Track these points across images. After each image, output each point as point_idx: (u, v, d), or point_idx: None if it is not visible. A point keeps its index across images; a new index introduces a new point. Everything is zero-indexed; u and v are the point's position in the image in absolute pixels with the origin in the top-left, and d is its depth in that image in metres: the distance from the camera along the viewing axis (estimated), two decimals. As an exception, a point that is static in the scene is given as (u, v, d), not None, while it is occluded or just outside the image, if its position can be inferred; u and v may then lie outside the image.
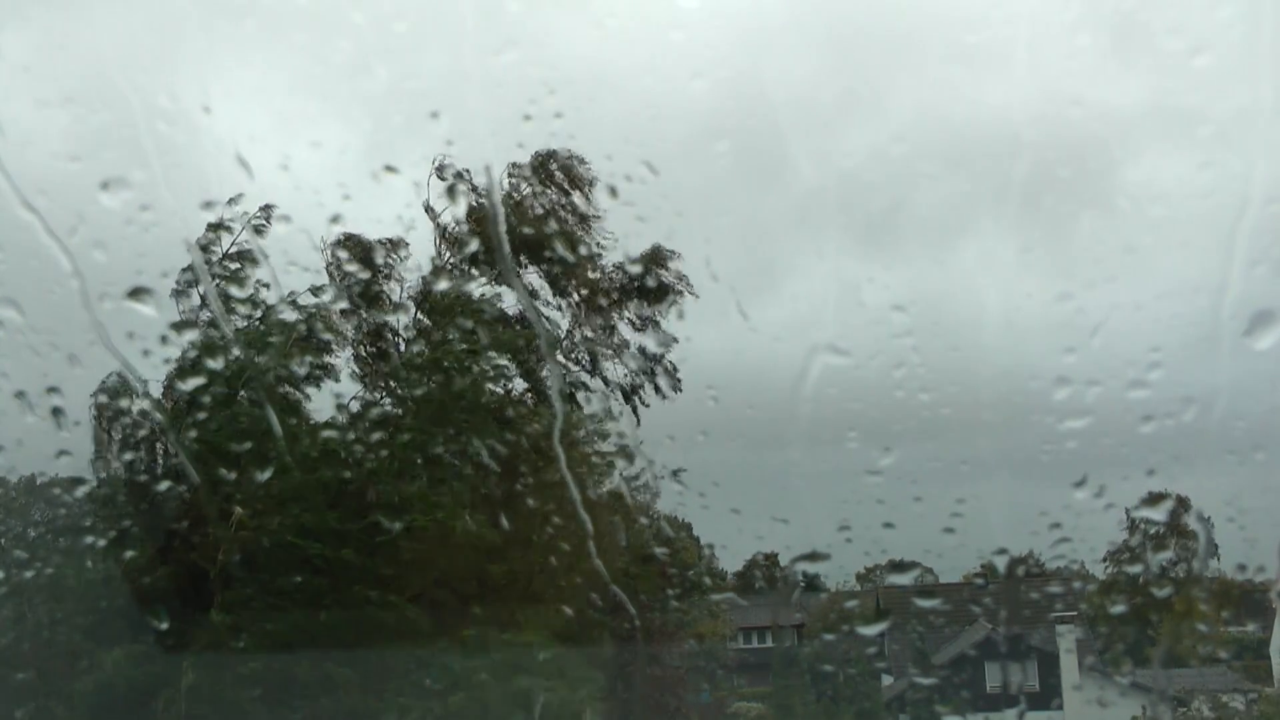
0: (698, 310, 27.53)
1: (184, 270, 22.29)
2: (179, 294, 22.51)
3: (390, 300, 25.91)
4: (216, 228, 22.37)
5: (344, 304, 24.58)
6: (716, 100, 23.47)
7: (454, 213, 26.38)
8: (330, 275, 24.80)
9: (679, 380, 27.40)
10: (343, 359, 24.52)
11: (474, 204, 25.76)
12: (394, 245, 25.47)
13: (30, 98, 19.57)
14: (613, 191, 16.70)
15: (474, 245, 26.26)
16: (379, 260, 25.49)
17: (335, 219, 22.26)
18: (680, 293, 27.49)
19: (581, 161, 26.44)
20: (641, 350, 28.10)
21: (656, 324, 27.92)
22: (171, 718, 18.85)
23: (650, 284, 27.52)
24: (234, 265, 22.85)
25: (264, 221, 22.31)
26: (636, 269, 27.17)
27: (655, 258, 27.33)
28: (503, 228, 25.61)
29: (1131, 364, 11.82)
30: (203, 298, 22.67)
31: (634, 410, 28.14)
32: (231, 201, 21.48)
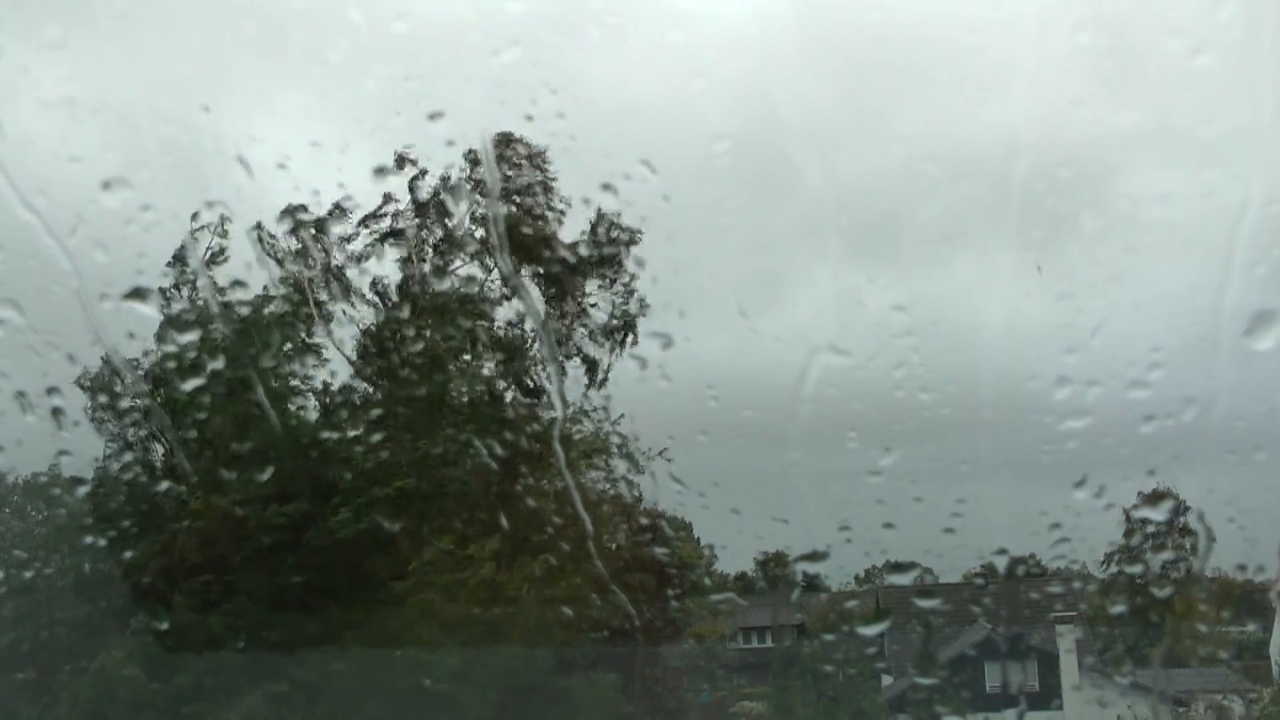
0: (698, 310, 27.49)
1: (182, 268, 22.43)
2: (169, 300, 22.68)
3: (386, 300, 25.94)
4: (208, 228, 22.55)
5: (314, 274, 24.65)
6: (716, 100, 23.48)
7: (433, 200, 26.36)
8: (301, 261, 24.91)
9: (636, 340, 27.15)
10: (336, 358, 24.60)
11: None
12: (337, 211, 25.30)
13: (31, 98, 19.56)
14: (613, 191, 16.70)
15: (473, 246, 26.31)
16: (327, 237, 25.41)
17: (334, 218, 22.32)
18: (634, 243, 27.11)
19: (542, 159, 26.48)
20: (615, 318, 27.81)
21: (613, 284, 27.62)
22: (169, 717, 18.85)
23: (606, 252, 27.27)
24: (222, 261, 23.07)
25: (224, 228, 22.65)
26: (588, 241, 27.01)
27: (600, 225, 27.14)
28: (501, 229, 25.63)
29: (1132, 364, 11.80)
30: (196, 297, 22.75)
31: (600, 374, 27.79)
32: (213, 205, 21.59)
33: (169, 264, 22.61)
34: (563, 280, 27.30)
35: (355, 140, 35.41)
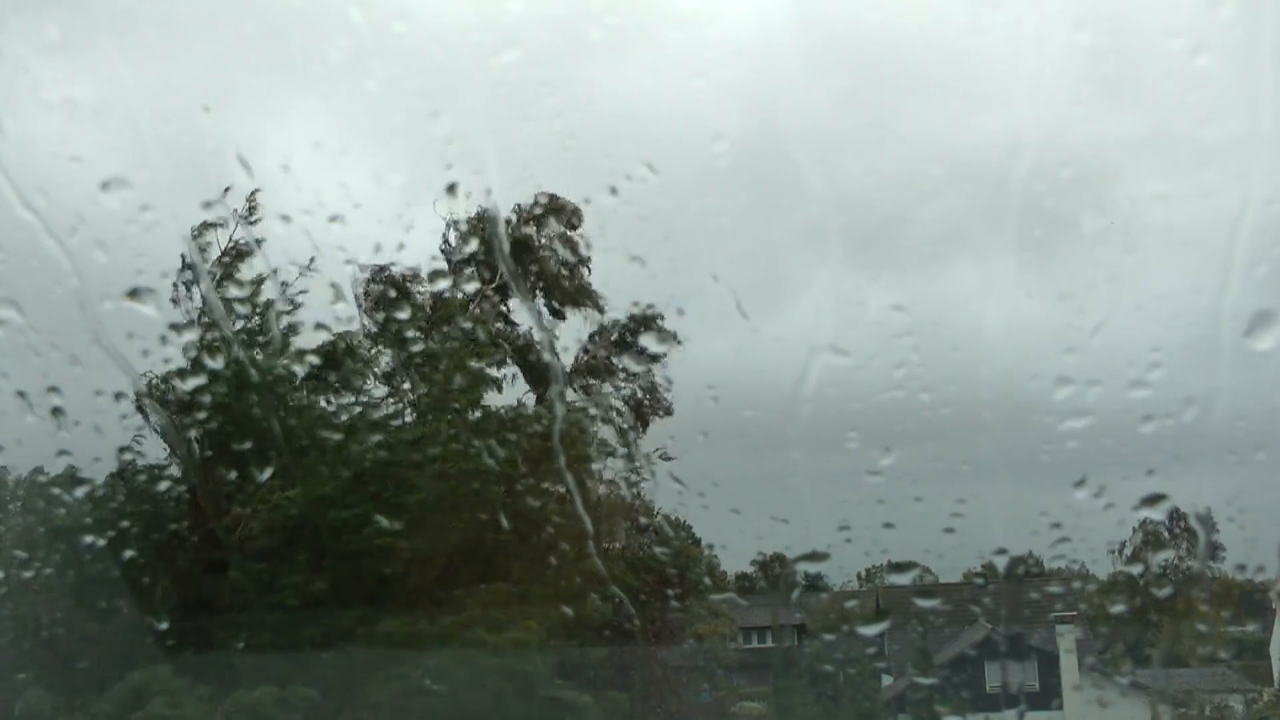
0: (698, 310, 27.60)
1: (182, 270, 22.32)
2: (178, 295, 22.57)
3: (392, 301, 25.98)
4: (210, 226, 22.47)
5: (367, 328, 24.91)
6: (717, 101, 23.48)
7: (454, 211, 26.51)
8: (366, 314, 25.30)
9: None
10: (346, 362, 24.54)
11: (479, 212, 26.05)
12: (418, 278, 25.95)
13: (31, 98, 19.55)
14: (613, 191, 16.74)
15: (473, 245, 26.37)
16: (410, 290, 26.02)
17: (334, 219, 22.24)
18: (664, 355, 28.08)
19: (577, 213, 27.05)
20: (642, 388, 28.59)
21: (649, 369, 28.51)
22: (171, 717, 18.85)
23: (642, 338, 28.15)
24: (228, 260, 22.93)
25: (253, 211, 22.50)
26: (630, 326, 27.84)
27: (646, 322, 27.94)
28: (503, 228, 25.68)
29: (1132, 364, 11.78)
30: (201, 297, 22.70)
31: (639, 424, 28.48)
32: (227, 191, 21.53)
33: (220, 256, 22.60)
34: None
35: (355, 140, 35.46)
